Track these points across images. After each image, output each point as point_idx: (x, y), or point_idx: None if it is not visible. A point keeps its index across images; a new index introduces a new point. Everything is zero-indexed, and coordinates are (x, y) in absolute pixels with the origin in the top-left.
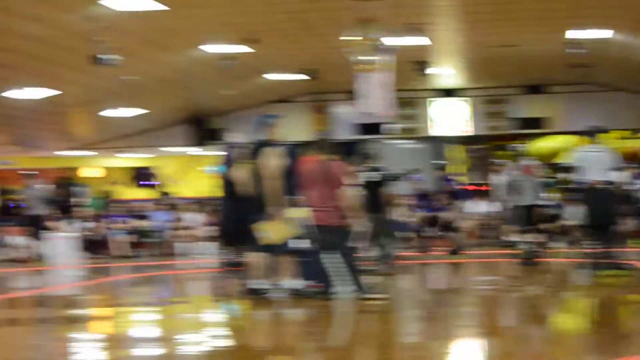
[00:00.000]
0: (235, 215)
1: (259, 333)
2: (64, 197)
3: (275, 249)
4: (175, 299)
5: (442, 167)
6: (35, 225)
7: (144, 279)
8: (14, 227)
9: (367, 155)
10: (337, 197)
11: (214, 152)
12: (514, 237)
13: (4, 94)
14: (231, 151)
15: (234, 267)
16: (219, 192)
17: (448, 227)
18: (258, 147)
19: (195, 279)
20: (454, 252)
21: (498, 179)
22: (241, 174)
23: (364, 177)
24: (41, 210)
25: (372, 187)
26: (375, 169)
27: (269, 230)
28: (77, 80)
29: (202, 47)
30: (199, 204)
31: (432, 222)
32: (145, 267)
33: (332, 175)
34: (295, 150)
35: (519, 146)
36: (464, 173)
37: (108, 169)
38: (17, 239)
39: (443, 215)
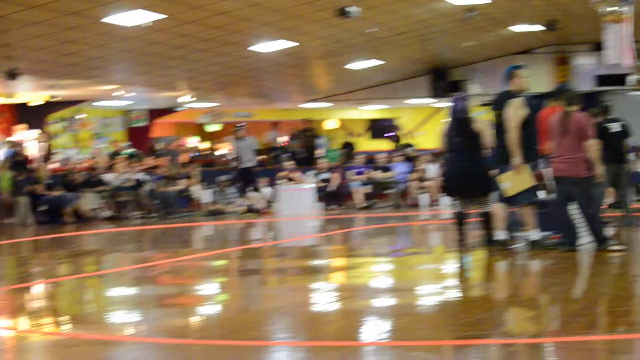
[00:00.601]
0: (464, 167)
1: (498, 284)
2: (303, 148)
3: (516, 200)
4: (413, 250)
5: None
6: (245, 179)
7: (382, 229)
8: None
9: (607, 107)
10: (580, 148)
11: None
12: None
13: (250, 48)
14: (463, 103)
15: (463, 219)
16: (444, 144)
17: None
18: (502, 98)
19: (435, 230)
20: None
21: None
22: (478, 125)
23: (604, 127)
24: (250, 163)
25: (612, 139)
26: (615, 120)
27: (511, 181)
28: (318, 32)
29: None
30: (437, 155)
31: None
32: (384, 218)
33: (575, 126)
34: (537, 101)
35: None
36: None
37: (346, 120)
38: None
39: None
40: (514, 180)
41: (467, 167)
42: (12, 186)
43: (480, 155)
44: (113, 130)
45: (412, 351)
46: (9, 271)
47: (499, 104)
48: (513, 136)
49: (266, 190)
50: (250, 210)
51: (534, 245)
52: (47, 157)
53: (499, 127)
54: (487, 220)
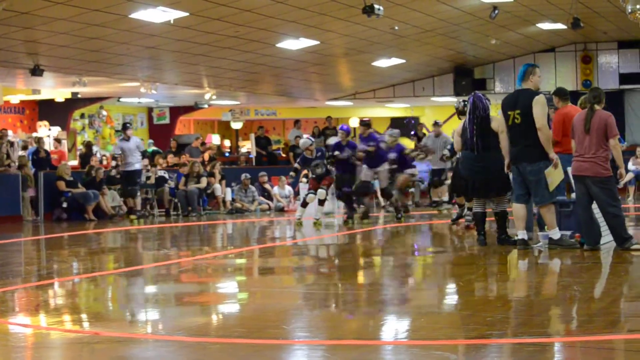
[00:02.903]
0: (481, 166)
1: (518, 283)
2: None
3: (536, 202)
4: (432, 249)
5: None
6: (129, 181)
7: (404, 228)
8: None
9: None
10: (603, 148)
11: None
12: None
13: (278, 45)
14: (483, 101)
15: (481, 218)
16: (457, 143)
17: None
18: (521, 97)
19: (454, 229)
20: None
21: None
22: (496, 124)
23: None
24: (137, 165)
25: None
26: None
27: (551, 177)
28: (343, 30)
29: None
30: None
31: None
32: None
33: (598, 125)
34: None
35: None
36: None
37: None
38: (276, 189)
39: None
40: (553, 175)
41: (485, 167)
42: (35, 182)
43: (497, 155)
44: (136, 127)
45: (431, 350)
46: (30, 268)
47: (515, 102)
48: (547, 132)
49: (288, 189)
50: (276, 209)
51: (554, 244)
52: (69, 154)
53: (518, 126)
54: (502, 219)
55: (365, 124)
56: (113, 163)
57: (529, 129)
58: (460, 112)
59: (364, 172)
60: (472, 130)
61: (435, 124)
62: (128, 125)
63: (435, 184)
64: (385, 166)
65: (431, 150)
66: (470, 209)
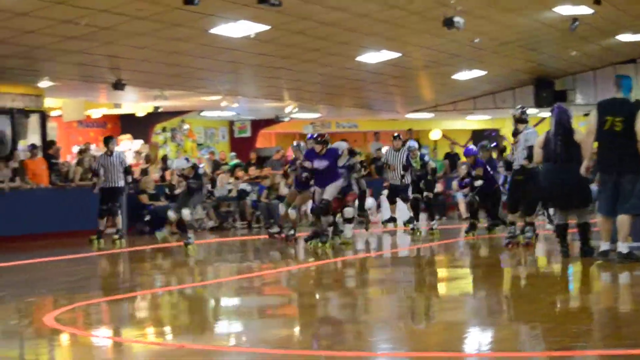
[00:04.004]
0: (565, 178)
1: (600, 295)
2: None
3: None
4: (515, 261)
5: None
6: (110, 198)
7: (484, 241)
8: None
9: None
10: None
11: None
12: None
13: (359, 58)
14: (567, 113)
15: (564, 230)
16: (538, 155)
17: None
18: (620, 105)
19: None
20: None
21: None
22: (580, 136)
23: None
24: (120, 182)
25: None
26: None
27: None
28: (423, 43)
29: (555, 9)
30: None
31: None
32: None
33: None
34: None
35: None
36: None
37: (449, 131)
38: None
39: None
40: None
41: (568, 178)
42: None
43: (579, 167)
44: (217, 140)
45: None
46: (113, 281)
47: (618, 109)
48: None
49: (370, 201)
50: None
51: (631, 256)
52: (151, 167)
53: (617, 133)
54: (585, 231)
55: (317, 140)
56: (94, 180)
57: (630, 138)
58: (518, 120)
59: (317, 191)
60: (557, 141)
61: (396, 137)
62: (110, 139)
63: (393, 201)
64: (338, 183)
65: (392, 166)
66: (531, 224)
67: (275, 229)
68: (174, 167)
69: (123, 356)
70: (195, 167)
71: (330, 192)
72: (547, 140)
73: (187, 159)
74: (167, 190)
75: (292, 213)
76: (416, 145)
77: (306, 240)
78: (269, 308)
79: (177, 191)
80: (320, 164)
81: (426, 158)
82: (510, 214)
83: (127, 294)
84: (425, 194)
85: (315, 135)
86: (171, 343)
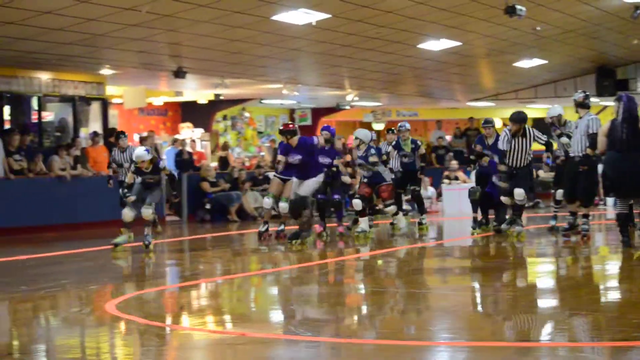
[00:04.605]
0: (629, 167)
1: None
2: (466, 147)
3: None
4: (576, 250)
5: None
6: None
7: (544, 230)
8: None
9: None
10: None
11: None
12: None
13: (420, 46)
14: (632, 102)
15: (627, 219)
16: (602, 144)
17: None
18: None
19: (599, 230)
20: None
21: None
22: None
23: None
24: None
25: None
26: None
27: None
28: (484, 31)
29: None
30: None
31: None
32: (547, 217)
33: None
34: None
35: None
36: None
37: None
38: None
39: None
40: None
41: (633, 167)
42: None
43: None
44: (278, 128)
45: (576, 352)
46: (175, 269)
47: None
48: None
49: (431, 190)
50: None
51: None
52: (211, 155)
53: None
54: None
55: (280, 131)
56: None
57: None
58: (579, 105)
59: (294, 182)
60: (623, 129)
61: (389, 132)
62: (121, 135)
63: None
64: (319, 179)
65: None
66: (587, 215)
67: (264, 227)
68: (134, 157)
69: (184, 344)
70: (154, 160)
71: (306, 188)
72: (613, 128)
73: (147, 150)
74: (226, 178)
75: (282, 206)
76: (407, 125)
77: (289, 239)
78: (330, 297)
79: (128, 184)
80: (293, 159)
81: (418, 142)
82: (568, 204)
83: (187, 282)
84: (412, 187)
85: (281, 127)
86: (232, 331)
